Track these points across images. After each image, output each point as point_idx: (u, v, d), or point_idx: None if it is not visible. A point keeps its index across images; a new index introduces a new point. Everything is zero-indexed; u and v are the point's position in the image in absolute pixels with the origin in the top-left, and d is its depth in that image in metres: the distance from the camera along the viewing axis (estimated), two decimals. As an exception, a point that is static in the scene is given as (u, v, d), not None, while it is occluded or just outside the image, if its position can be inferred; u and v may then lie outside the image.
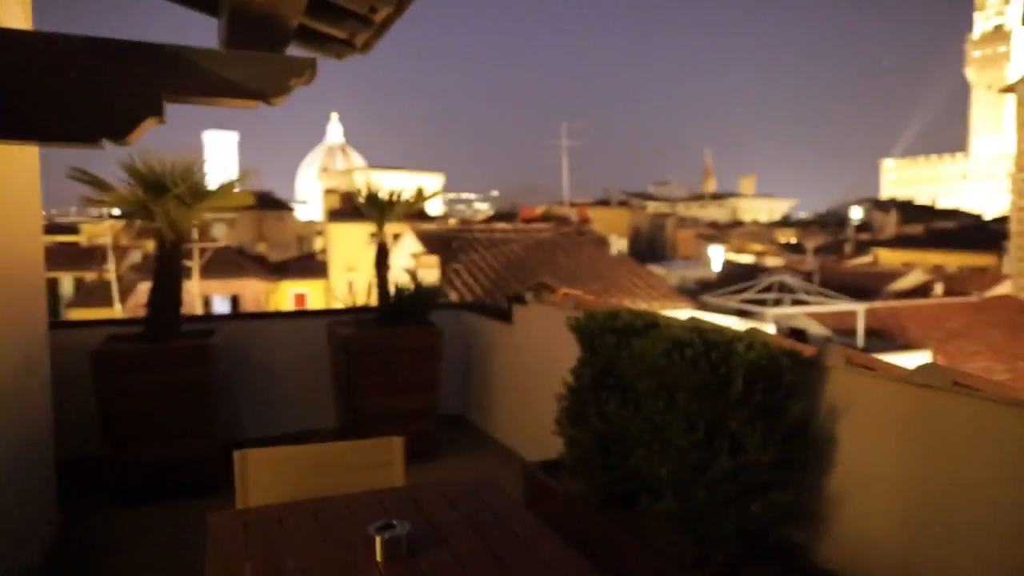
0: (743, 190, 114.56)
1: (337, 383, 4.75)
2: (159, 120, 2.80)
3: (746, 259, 37.34)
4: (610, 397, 2.63)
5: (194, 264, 23.23)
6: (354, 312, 5.05)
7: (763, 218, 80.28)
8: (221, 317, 5.52)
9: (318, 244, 39.64)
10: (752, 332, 2.51)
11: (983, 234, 36.04)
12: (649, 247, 44.62)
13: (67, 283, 26.44)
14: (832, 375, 2.46)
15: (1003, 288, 22.56)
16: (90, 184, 4.09)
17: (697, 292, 20.15)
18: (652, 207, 71.03)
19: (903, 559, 2.26)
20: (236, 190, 4.59)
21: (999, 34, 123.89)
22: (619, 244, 28.20)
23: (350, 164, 79.51)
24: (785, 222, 75.86)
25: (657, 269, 24.82)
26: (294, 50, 3.29)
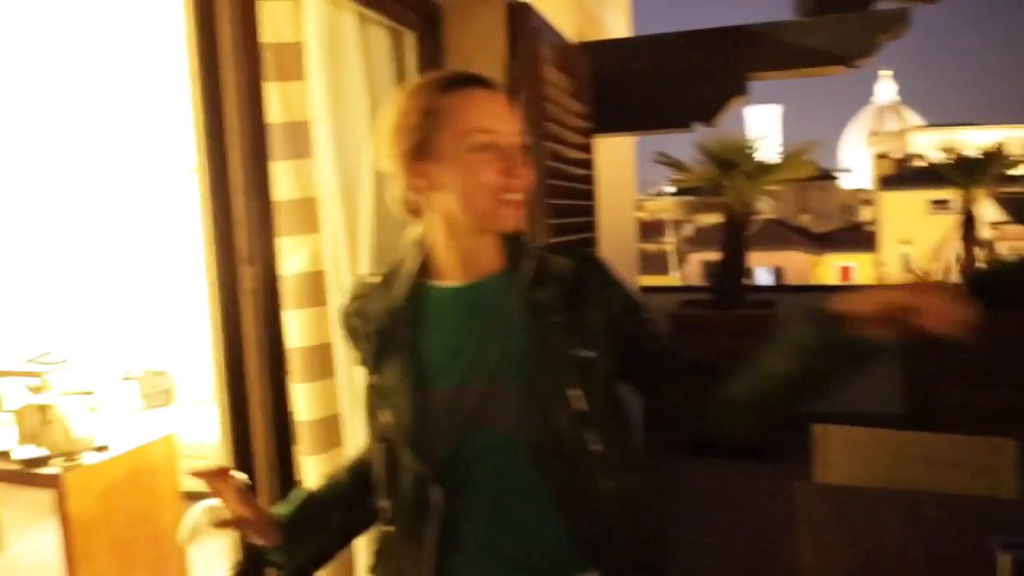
0: None
1: (908, 367, 4.34)
2: (744, 99, 2.94)
3: None
4: None
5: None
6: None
7: None
8: (776, 288, 5.56)
9: (865, 214, 36.91)
10: None
11: None
12: None
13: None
14: None
15: None
16: (672, 166, 4.57)
17: None
18: None
19: None
20: (799, 162, 4.55)
21: None
22: None
23: (904, 124, 71.32)
24: None
25: None
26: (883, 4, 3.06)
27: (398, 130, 0.98)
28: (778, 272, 26.86)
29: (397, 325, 1.02)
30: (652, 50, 2.92)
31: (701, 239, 27.08)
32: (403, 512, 1.03)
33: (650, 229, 30.55)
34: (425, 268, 1.05)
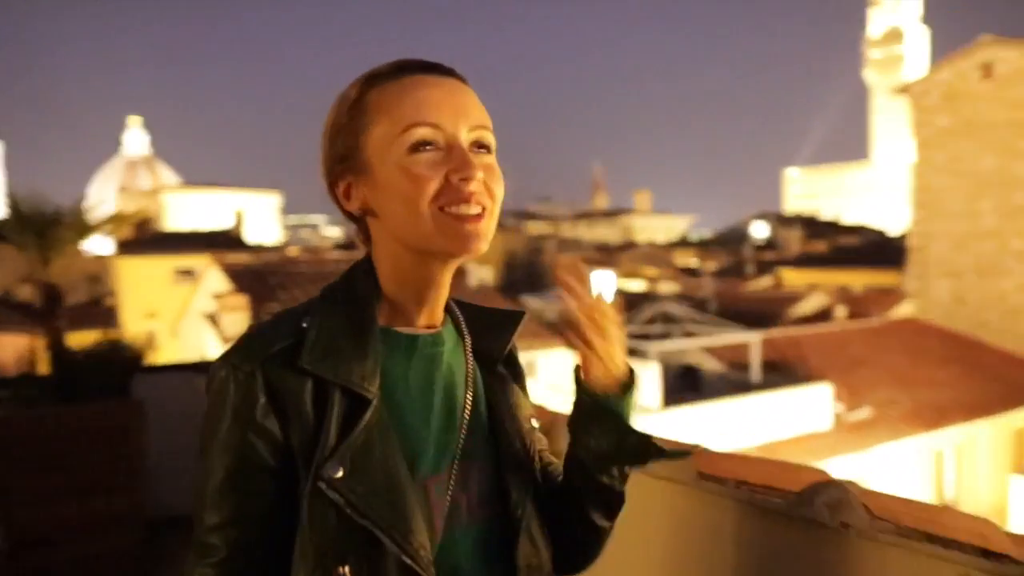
0: (637, 206, 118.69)
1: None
2: None
3: (638, 285, 38.14)
4: None
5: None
6: (12, 385, 4.28)
7: (659, 238, 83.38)
8: None
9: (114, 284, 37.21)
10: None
11: (888, 250, 38.78)
12: (527, 274, 44.88)
13: None
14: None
15: (906, 309, 24.12)
16: None
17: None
18: (532, 228, 72.04)
19: None
20: None
21: (895, 34, 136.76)
22: (483, 273, 28.02)
23: (158, 182, 75.59)
24: (683, 242, 79.05)
25: (531, 301, 24.67)
26: None
27: (323, 138, 0.93)
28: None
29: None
30: None
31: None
32: None
33: None
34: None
